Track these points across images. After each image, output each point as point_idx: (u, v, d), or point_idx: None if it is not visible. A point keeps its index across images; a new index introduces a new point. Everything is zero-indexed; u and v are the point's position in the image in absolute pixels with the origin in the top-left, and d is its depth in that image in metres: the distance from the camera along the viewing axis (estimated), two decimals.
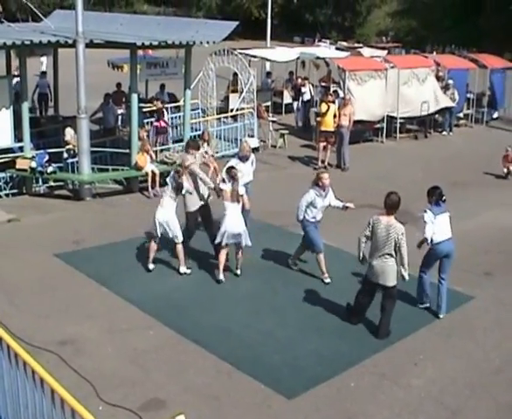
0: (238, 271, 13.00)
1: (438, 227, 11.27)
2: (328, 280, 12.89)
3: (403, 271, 10.67)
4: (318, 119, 23.55)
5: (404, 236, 10.42)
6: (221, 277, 12.65)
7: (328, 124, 22.17)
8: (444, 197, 11.55)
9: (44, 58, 36.29)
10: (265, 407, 8.92)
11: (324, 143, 22.26)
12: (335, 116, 22.13)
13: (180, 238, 12.77)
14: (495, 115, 31.92)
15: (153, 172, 18.55)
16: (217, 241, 12.73)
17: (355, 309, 11.32)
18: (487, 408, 9.06)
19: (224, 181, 12.94)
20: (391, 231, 10.43)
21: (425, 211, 11.38)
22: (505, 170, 21.47)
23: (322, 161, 22.21)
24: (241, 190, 12.69)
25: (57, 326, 10.85)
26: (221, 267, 12.70)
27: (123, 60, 26.90)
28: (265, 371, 9.75)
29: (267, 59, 31.95)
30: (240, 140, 23.28)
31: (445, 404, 9.11)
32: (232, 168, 13.08)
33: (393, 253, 10.50)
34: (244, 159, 14.69)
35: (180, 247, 12.86)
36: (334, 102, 22.53)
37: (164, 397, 9.01)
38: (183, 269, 12.98)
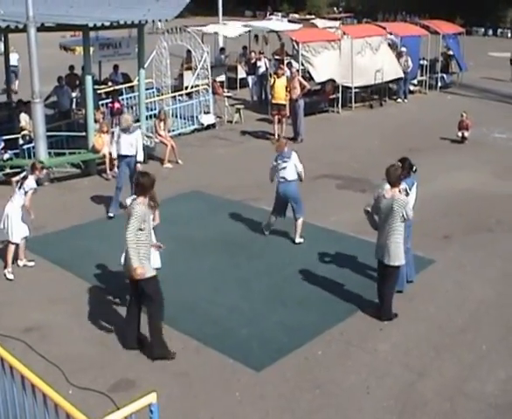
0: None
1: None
2: None
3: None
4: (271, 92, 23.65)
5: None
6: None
7: (279, 97, 22.27)
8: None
9: None
10: (234, 381, 9.00)
11: (278, 116, 22.36)
12: (287, 89, 22.21)
13: None
14: (448, 80, 32.24)
15: (110, 154, 18.39)
16: None
17: None
18: (451, 368, 9.24)
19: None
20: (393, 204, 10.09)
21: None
22: (460, 134, 21.71)
23: (278, 135, 22.26)
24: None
25: (21, 312, 10.79)
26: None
27: (75, 42, 26.60)
28: (232, 345, 9.83)
29: (216, 33, 32.06)
30: (196, 117, 23.30)
31: (410, 366, 9.28)
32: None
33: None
34: (126, 130, 15.13)
35: None
36: (283, 74, 22.58)
37: (134, 377, 9.04)
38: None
